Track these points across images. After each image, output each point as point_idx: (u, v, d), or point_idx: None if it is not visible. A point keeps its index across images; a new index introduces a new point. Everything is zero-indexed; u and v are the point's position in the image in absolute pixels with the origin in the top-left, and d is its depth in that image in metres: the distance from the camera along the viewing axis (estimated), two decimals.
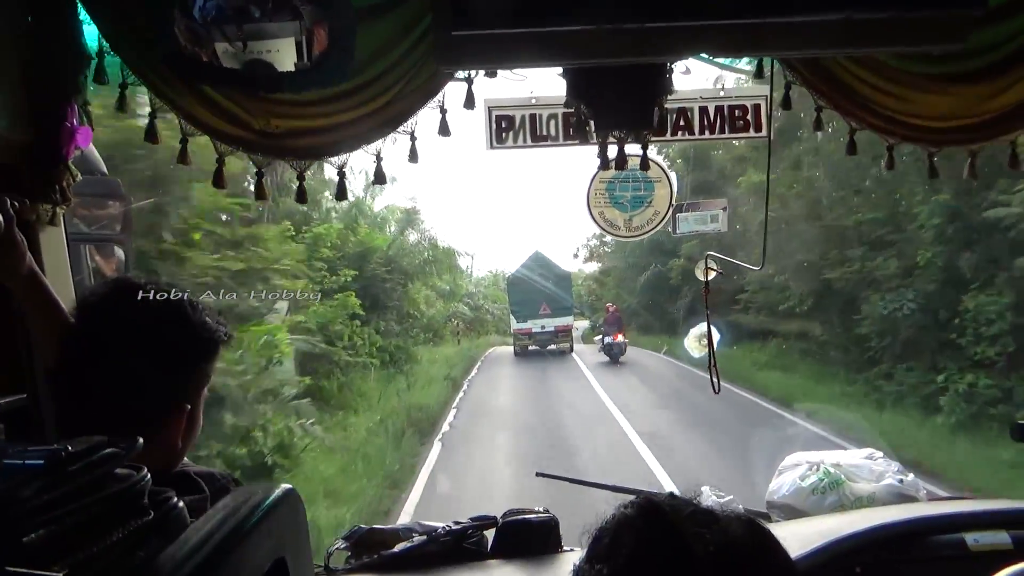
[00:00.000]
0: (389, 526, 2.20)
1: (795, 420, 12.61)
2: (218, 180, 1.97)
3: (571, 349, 27.36)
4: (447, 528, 2.15)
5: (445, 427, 13.64)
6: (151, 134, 1.92)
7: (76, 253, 2.11)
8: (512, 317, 28.12)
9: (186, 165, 1.95)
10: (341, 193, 2.03)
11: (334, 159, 1.98)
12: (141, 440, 1.02)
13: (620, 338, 22.60)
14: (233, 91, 1.84)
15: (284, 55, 1.81)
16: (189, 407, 1.39)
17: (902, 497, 2.52)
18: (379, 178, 2.04)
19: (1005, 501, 2.22)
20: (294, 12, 1.78)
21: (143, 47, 1.78)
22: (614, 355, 22.49)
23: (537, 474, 2.86)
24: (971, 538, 2.03)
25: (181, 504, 1.04)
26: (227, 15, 1.76)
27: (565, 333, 27.41)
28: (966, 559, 1.99)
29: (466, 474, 10.23)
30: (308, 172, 2.01)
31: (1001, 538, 2.02)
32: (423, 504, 8.82)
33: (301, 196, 2.01)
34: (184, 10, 1.75)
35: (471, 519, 2.18)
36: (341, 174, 2.01)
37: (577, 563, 0.97)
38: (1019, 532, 2.04)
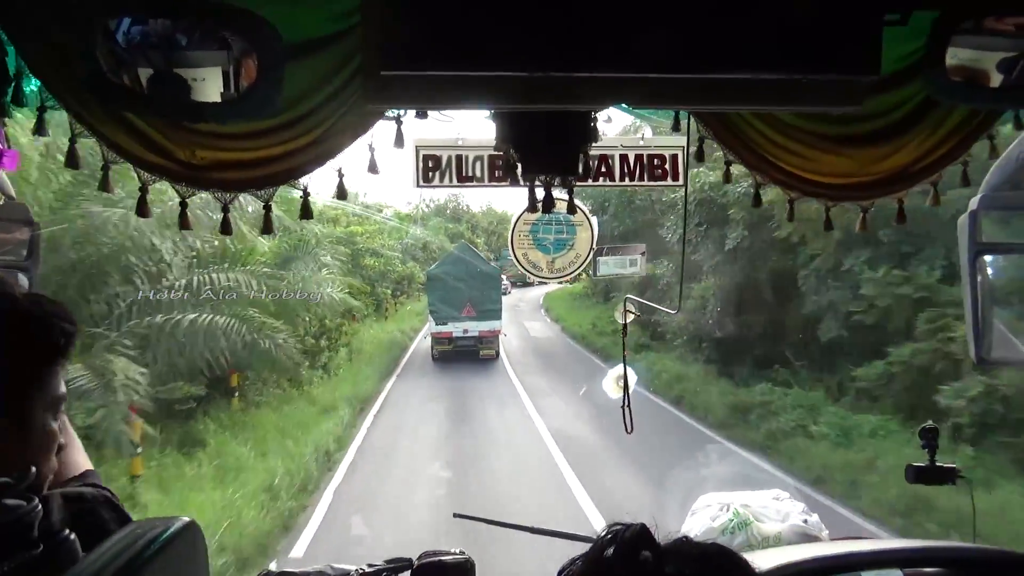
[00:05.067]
0: (300, 569, 2.13)
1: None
2: (141, 210, 1.91)
3: (497, 355, 26.15)
4: (360, 571, 2.10)
5: None
6: (71, 159, 1.85)
7: None
8: (431, 317, 26.13)
9: (108, 192, 1.88)
10: (267, 227, 2.00)
11: (260, 192, 1.96)
12: (34, 469, 0.98)
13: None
14: (155, 119, 1.80)
15: (210, 85, 1.77)
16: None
17: (806, 537, 2.61)
18: (306, 212, 2.03)
19: (899, 540, 2.34)
20: (222, 42, 1.75)
21: (63, 70, 1.71)
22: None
23: (455, 515, 2.84)
24: None
25: (73, 536, 1.00)
26: (152, 41, 1.73)
27: (491, 339, 26.01)
28: None
29: None
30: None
31: None
32: None
33: (226, 227, 1.97)
34: (107, 34, 1.70)
35: (386, 561, 2.14)
36: (267, 208, 1.99)
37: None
38: (911, 570, 2.15)
